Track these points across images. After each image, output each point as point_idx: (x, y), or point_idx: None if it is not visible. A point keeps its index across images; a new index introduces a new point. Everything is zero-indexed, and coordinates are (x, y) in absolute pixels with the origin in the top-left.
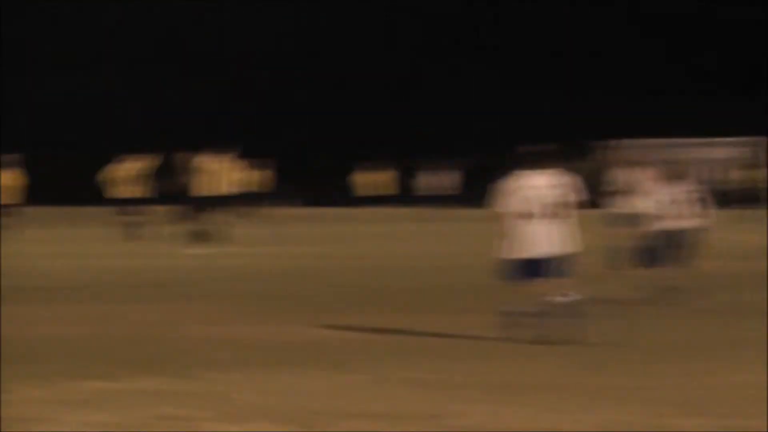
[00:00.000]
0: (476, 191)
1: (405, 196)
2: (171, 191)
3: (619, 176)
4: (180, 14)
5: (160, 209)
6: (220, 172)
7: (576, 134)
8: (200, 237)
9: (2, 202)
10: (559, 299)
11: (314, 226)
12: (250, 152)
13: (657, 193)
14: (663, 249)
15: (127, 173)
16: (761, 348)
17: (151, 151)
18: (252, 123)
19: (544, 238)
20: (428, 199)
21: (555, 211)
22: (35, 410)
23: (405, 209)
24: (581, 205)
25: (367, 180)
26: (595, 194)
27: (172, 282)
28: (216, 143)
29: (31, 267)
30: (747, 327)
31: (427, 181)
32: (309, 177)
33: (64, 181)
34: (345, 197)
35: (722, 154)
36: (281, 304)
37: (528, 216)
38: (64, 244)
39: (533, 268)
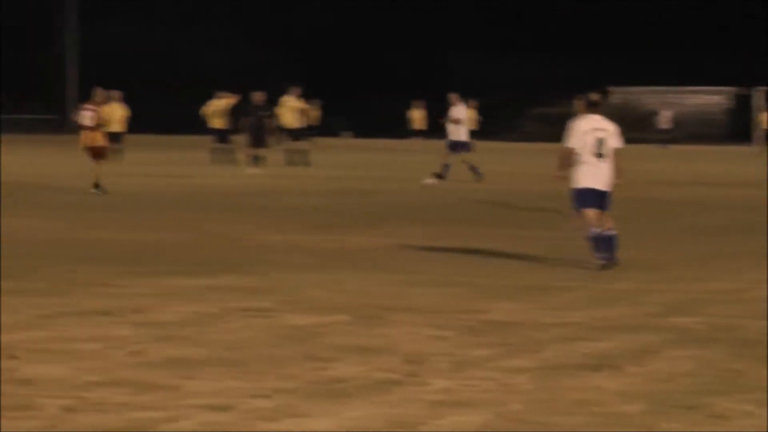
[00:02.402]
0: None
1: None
2: (249, 124)
3: None
4: None
5: (241, 138)
6: (293, 108)
7: None
8: (262, 161)
9: (111, 131)
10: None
11: (367, 155)
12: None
13: None
14: None
15: (216, 108)
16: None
17: (233, 90)
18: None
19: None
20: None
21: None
22: (143, 301)
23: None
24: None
25: (418, 116)
26: None
27: (247, 199)
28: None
29: (136, 184)
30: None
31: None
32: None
33: (167, 113)
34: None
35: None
36: (336, 218)
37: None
38: (163, 166)
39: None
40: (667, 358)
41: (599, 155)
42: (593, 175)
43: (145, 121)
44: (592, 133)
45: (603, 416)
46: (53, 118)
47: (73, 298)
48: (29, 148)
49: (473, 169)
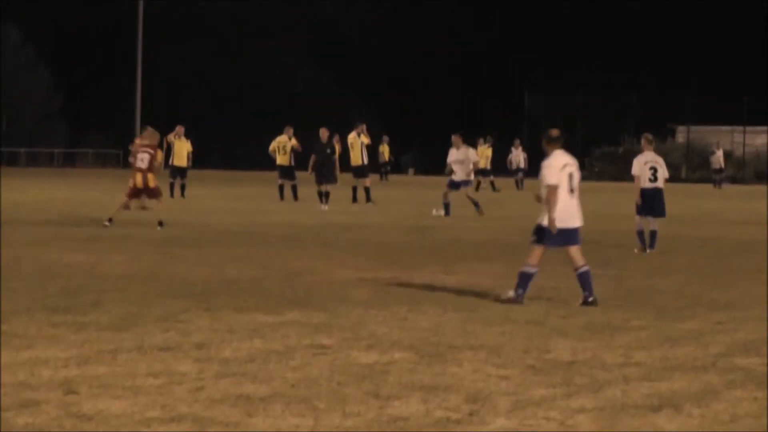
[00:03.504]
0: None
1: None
2: (315, 160)
3: None
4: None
5: (308, 174)
6: (358, 146)
7: None
8: (327, 197)
9: (178, 165)
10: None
11: (429, 192)
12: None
13: None
14: None
15: (280, 143)
16: None
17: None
18: (375, 105)
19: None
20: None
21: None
22: (207, 337)
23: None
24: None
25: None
26: None
27: (314, 234)
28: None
29: (201, 219)
30: None
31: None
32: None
33: (232, 149)
34: None
35: None
36: (400, 254)
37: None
38: (228, 201)
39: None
40: (729, 399)
41: (572, 190)
42: (570, 212)
43: (209, 156)
44: (564, 169)
45: None
46: (115, 152)
47: (135, 333)
48: (91, 181)
49: (475, 204)
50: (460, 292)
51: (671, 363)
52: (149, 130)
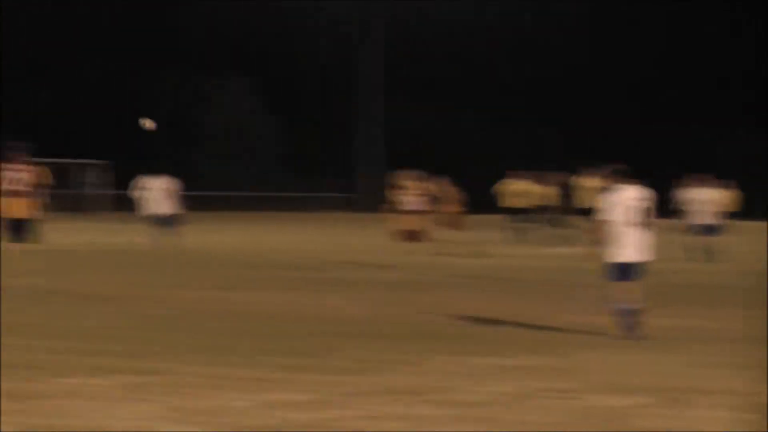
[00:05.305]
0: None
1: None
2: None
3: None
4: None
5: (541, 217)
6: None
7: None
8: (560, 240)
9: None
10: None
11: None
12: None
13: None
14: None
15: (514, 188)
16: None
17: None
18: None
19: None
20: None
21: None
22: (446, 380)
23: None
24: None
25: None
26: None
27: (543, 278)
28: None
29: (434, 262)
30: None
31: None
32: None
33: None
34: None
35: None
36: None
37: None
38: (466, 244)
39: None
40: None
41: (638, 224)
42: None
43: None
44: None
45: None
46: (343, 197)
47: (372, 376)
48: (320, 225)
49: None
50: (683, 335)
51: None
52: (416, 173)
